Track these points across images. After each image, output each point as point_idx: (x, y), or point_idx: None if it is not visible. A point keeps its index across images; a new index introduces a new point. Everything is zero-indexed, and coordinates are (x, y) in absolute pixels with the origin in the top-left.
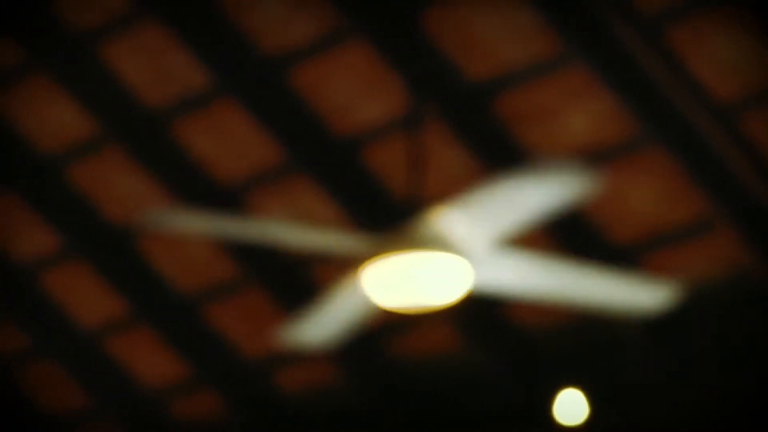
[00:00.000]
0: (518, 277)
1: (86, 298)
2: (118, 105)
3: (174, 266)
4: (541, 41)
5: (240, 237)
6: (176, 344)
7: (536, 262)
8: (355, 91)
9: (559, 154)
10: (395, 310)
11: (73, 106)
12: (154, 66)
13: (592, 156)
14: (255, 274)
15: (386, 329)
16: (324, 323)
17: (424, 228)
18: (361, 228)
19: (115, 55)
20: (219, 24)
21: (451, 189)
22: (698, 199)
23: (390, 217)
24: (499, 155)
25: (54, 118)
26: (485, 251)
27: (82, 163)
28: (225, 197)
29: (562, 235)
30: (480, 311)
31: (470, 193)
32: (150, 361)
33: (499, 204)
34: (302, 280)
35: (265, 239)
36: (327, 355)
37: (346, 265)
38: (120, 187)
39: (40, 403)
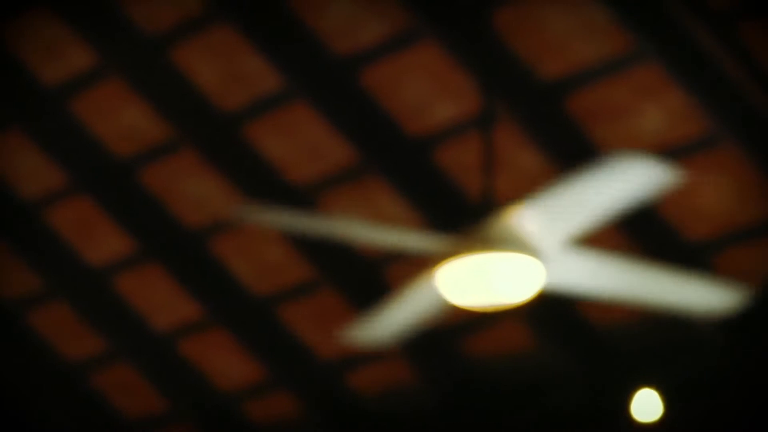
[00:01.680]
0: (590, 276)
1: (161, 301)
2: (191, 108)
3: (248, 268)
4: (613, 38)
5: (318, 234)
6: (251, 346)
7: (608, 262)
8: (427, 91)
9: (631, 152)
10: (469, 309)
11: (146, 110)
12: (226, 69)
13: (665, 153)
14: (329, 275)
15: (459, 328)
16: (395, 321)
17: (497, 228)
18: (434, 228)
19: (188, 58)
20: (291, 26)
21: (524, 188)
22: None
23: (462, 217)
24: (571, 153)
25: (128, 122)
26: (558, 250)
27: (156, 166)
28: (298, 199)
29: (634, 233)
30: (553, 309)
31: (543, 192)
32: (225, 364)
33: (572, 203)
34: (376, 281)
35: (342, 237)
36: (401, 354)
37: (420, 265)
38: (193, 190)
39: (116, 407)
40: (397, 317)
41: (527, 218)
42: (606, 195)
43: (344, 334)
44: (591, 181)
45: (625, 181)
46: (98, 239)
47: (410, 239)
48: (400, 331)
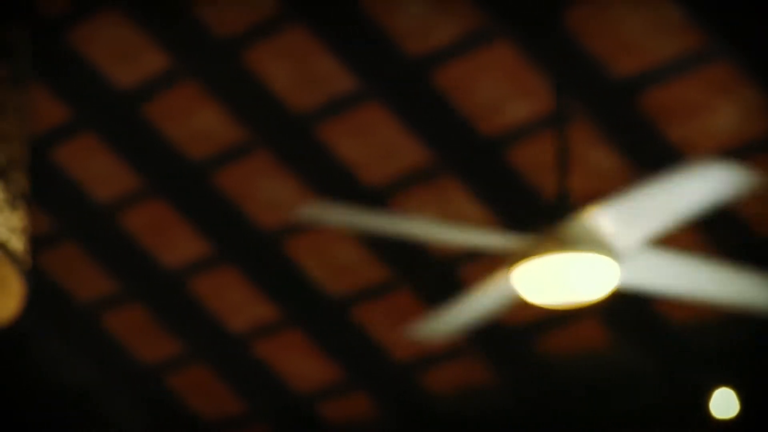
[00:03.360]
0: (665, 276)
1: (236, 302)
2: (265, 110)
3: (323, 269)
4: (686, 36)
5: (392, 233)
6: (326, 347)
7: (683, 261)
8: (500, 90)
9: (706, 150)
10: (545, 308)
11: (220, 112)
12: (300, 70)
13: (740, 151)
14: (404, 275)
15: (535, 327)
16: (464, 317)
17: (574, 227)
18: (508, 227)
19: (261, 60)
20: (364, 26)
21: (598, 186)
22: None
23: (537, 216)
24: (644, 151)
25: (202, 124)
26: (633, 250)
27: (230, 168)
28: (372, 200)
29: (709, 232)
30: (629, 307)
31: (620, 193)
32: (300, 364)
33: (649, 206)
34: (451, 281)
35: (418, 236)
36: (475, 354)
37: (495, 265)
38: (268, 192)
39: (193, 408)
40: (466, 313)
41: (604, 219)
42: (683, 199)
43: (413, 330)
44: (669, 185)
45: (703, 186)
46: (173, 242)
47: (487, 238)
48: (468, 326)
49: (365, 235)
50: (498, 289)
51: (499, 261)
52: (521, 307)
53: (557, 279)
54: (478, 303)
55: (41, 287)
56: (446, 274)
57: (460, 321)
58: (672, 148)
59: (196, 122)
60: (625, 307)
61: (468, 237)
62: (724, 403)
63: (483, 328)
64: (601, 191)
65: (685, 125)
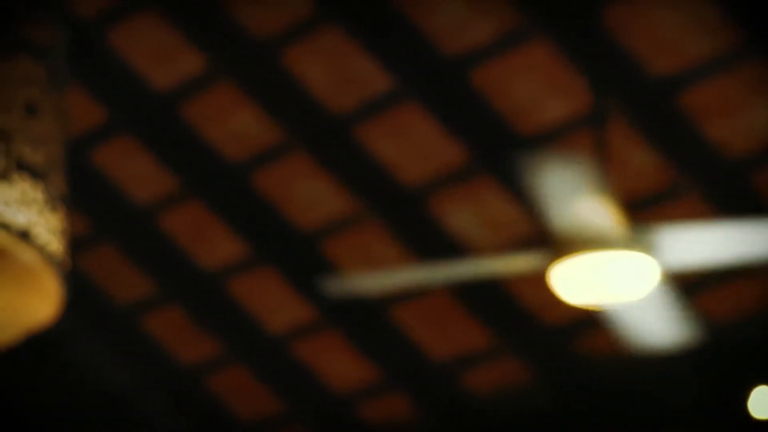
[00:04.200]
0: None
1: (274, 303)
2: (302, 110)
3: (360, 268)
4: (723, 34)
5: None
6: (365, 347)
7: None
8: (537, 89)
9: (743, 148)
10: (582, 307)
11: (257, 113)
12: (336, 70)
13: None
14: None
15: (573, 327)
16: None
17: (613, 226)
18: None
19: (298, 61)
20: (400, 27)
21: (636, 185)
22: None
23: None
24: (682, 150)
25: (239, 126)
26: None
27: (267, 169)
28: (409, 200)
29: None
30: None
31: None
32: (339, 365)
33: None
34: (489, 281)
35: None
36: (515, 354)
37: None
38: (305, 192)
39: (232, 410)
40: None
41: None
42: (740, 251)
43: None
44: (731, 232)
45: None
46: (211, 243)
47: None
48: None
49: (403, 235)
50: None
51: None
52: (559, 306)
53: (595, 279)
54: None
55: (80, 289)
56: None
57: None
58: (709, 146)
59: (234, 123)
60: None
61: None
62: (762, 402)
63: (521, 328)
64: (639, 190)
65: (723, 124)
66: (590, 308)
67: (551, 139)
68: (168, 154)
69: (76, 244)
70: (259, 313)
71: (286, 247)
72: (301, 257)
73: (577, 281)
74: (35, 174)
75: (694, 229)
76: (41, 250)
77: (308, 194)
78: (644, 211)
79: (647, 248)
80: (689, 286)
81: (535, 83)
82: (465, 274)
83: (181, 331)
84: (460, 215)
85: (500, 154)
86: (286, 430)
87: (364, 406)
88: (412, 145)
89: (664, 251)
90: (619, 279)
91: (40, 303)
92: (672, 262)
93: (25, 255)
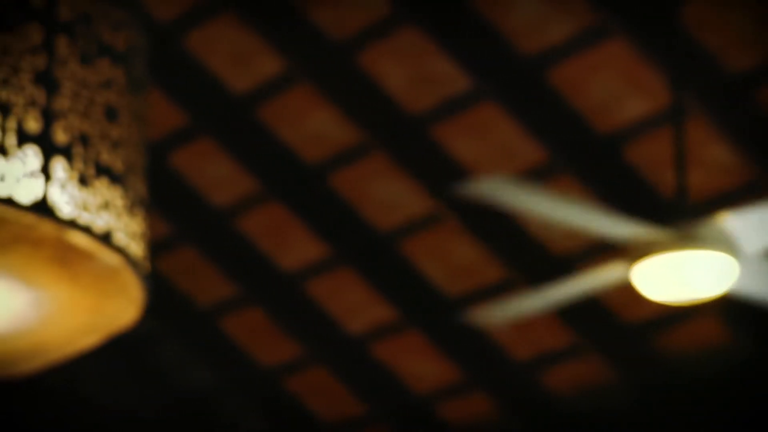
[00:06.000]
0: None
1: (354, 304)
2: (380, 111)
3: (440, 269)
4: None
5: (540, 211)
6: (445, 348)
7: None
8: (616, 87)
9: None
10: (663, 304)
11: (335, 115)
12: (414, 71)
13: None
14: (521, 274)
15: (654, 324)
16: (559, 297)
17: (694, 225)
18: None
19: (376, 62)
20: (478, 26)
21: (716, 182)
22: None
23: (656, 214)
24: (763, 146)
25: (317, 127)
26: (753, 256)
27: (346, 170)
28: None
29: None
30: (748, 301)
31: (756, 204)
32: (419, 365)
33: None
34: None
35: (556, 216)
36: (595, 352)
37: (610, 258)
38: (384, 193)
39: (313, 411)
40: (561, 293)
41: (729, 221)
42: None
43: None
44: None
45: None
46: (291, 244)
47: (613, 227)
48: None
49: (484, 234)
50: (606, 277)
51: (617, 254)
52: (640, 303)
53: (677, 276)
54: (581, 285)
55: (161, 292)
56: (565, 272)
57: (551, 300)
58: None
59: (312, 125)
60: (744, 301)
61: (595, 222)
62: None
63: (602, 326)
64: (720, 187)
65: None
66: (673, 304)
67: (630, 137)
68: (247, 156)
69: (156, 246)
70: (338, 313)
71: (365, 248)
72: (380, 257)
73: (659, 278)
74: (114, 178)
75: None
76: (122, 253)
77: (387, 194)
78: (724, 207)
79: (729, 248)
80: None
81: (613, 81)
82: (560, 296)
83: (261, 333)
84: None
85: (580, 153)
86: (366, 431)
87: (445, 406)
88: (491, 144)
89: (746, 237)
90: (701, 277)
91: (122, 305)
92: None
93: (107, 258)
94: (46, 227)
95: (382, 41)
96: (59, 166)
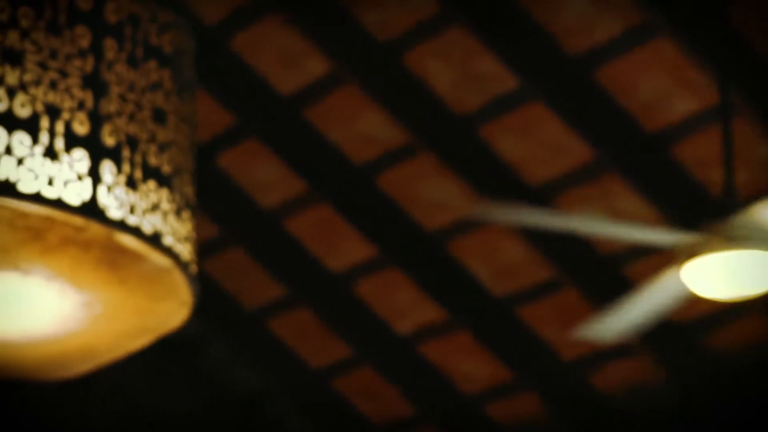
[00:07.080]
0: None
1: (402, 305)
2: (427, 111)
3: (488, 269)
4: None
5: (560, 231)
6: (493, 347)
7: None
8: (663, 86)
9: None
10: (711, 302)
11: (382, 115)
12: (461, 71)
13: None
14: (569, 273)
15: (702, 322)
16: (634, 316)
17: (743, 223)
18: (675, 224)
19: (422, 62)
20: (525, 26)
21: (763, 180)
22: None
23: (704, 212)
24: None
25: (364, 128)
26: None
27: (394, 170)
28: (536, 199)
29: None
30: None
31: None
32: (467, 365)
33: None
34: (617, 278)
35: (587, 233)
36: (644, 351)
37: (662, 261)
38: (431, 193)
39: (361, 411)
40: (636, 312)
41: None
42: None
43: (582, 331)
44: None
45: None
46: (339, 245)
47: (656, 236)
48: (639, 325)
49: (531, 234)
50: (667, 287)
51: (666, 257)
52: (688, 302)
53: (726, 274)
54: (647, 301)
55: (209, 293)
56: (613, 272)
57: (630, 321)
58: None
59: (359, 126)
60: None
61: (637, 234)
62: None
63: (650, 325)
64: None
65: None
66: (719, 302)
67: (677, 136)
68: (294, 157)
69: (204, 248)
70: (386, 314)
71: (412, 248)
72: (428, 258)
73: (708, 277)
74: (162, 180)
75: None
76: (171, 254)
77: (434, 195)
78: None
79: None
80: None
81: (661, 80)
82: (612, 235)
83: (309, 334)
84: (590, 213)
85: (627, 151)
86: (415, 431)
87: (493, 406)
88: (538, 143)
89: None
90: (750, 274)
91: (171, 307)
92: None
93: (156, 260)
94: (95, 229)
95: (429, 41)
96: (107, 169)
